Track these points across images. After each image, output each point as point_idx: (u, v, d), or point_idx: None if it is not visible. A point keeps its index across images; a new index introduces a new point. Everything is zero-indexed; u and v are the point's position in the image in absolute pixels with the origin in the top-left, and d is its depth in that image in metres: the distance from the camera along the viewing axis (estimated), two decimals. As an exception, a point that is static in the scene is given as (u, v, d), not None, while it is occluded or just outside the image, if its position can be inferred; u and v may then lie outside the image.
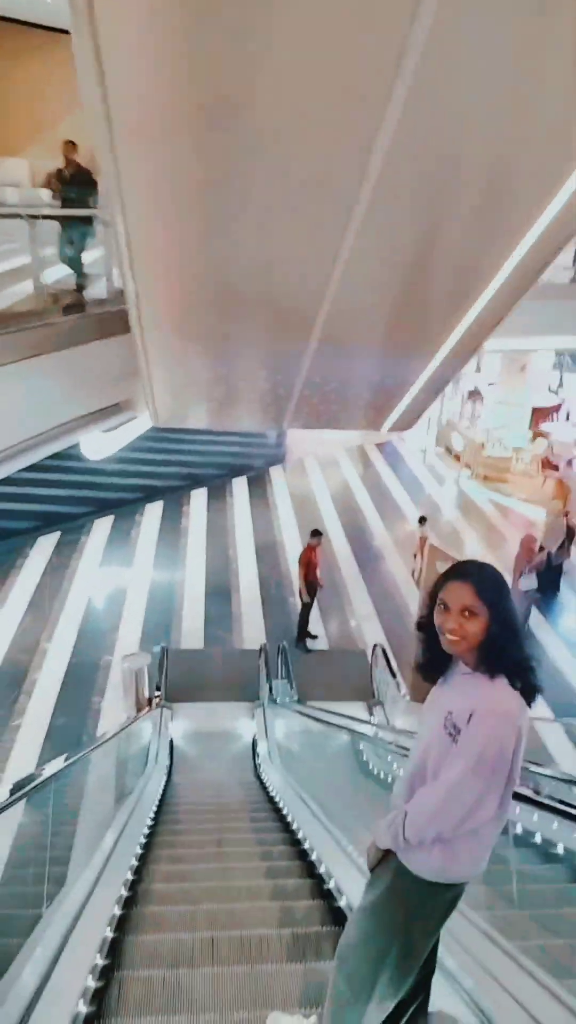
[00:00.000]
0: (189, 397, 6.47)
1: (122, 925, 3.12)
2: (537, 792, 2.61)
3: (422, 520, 11.86)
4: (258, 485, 16.13)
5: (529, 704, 1.77)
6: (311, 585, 9.73)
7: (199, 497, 15.24)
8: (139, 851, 4.25)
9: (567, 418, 19.90)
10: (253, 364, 5.26)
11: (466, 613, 1.76)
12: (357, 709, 8.15)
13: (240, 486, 15.99)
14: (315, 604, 10.14)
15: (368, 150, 2.49)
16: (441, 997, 2.26)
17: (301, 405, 6.24)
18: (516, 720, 1.72)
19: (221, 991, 2.59)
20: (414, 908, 1.87)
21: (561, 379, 21.76)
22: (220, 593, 11.52)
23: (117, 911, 3.20)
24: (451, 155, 2.58)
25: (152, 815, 5.43)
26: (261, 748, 7.63)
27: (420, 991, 2.07)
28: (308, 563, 9.77)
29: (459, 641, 1.78)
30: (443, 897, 1.88)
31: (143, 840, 4.50)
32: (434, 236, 3.11)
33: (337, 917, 3.11)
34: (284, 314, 4.00)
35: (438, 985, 2.19)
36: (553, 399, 20.20)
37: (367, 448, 19.22)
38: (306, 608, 10.01)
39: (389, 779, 4.62)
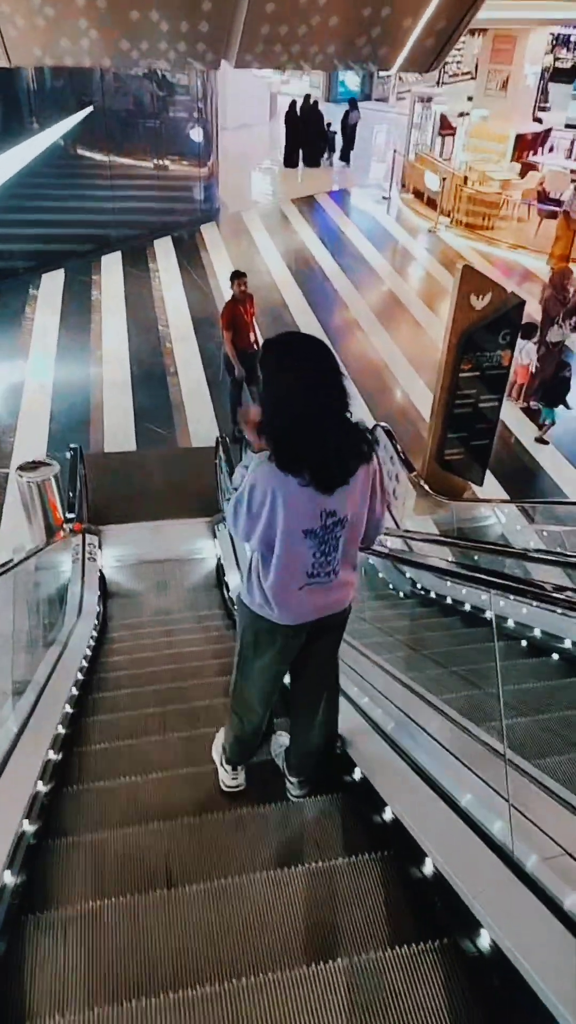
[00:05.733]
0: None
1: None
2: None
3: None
4: (187, 248, 12.61)
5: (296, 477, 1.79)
6: (242, 354, 6.84)
7: (112, 264, 11.74)
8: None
9: (551, 151, 16.33)
10: None
11: None
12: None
13: (164, 249, 12.46)
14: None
15: None
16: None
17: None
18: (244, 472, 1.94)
19: (167, 754, 2.78)
20: (245, 630, 2.18)
21: (545, 98, 17.78)
22: (152, 380, 8.71)
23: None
24: None
25: (72, 692, 3.29)
26: (231, 580, 5.38)
27: (300, 737, 2.38)
28: (233, 319, 6.78)
29: None
30: (267, 631, 2.09)
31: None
32: None
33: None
34: None
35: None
36: (537, 127, 16.43)
37: (319, 198, 15.46)
38: (235, 387, 7.25)
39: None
